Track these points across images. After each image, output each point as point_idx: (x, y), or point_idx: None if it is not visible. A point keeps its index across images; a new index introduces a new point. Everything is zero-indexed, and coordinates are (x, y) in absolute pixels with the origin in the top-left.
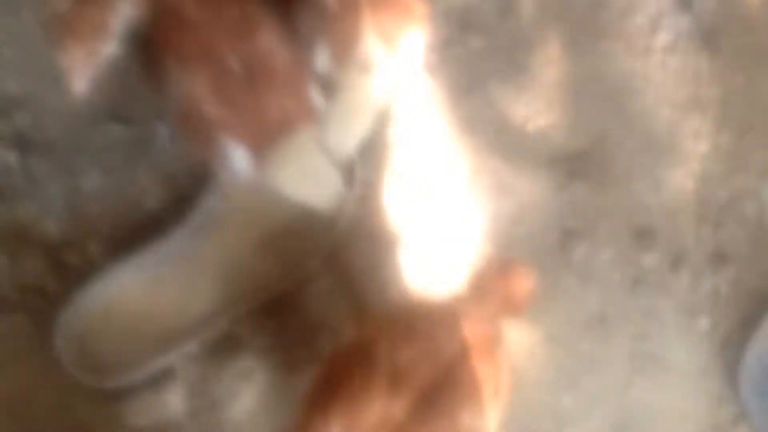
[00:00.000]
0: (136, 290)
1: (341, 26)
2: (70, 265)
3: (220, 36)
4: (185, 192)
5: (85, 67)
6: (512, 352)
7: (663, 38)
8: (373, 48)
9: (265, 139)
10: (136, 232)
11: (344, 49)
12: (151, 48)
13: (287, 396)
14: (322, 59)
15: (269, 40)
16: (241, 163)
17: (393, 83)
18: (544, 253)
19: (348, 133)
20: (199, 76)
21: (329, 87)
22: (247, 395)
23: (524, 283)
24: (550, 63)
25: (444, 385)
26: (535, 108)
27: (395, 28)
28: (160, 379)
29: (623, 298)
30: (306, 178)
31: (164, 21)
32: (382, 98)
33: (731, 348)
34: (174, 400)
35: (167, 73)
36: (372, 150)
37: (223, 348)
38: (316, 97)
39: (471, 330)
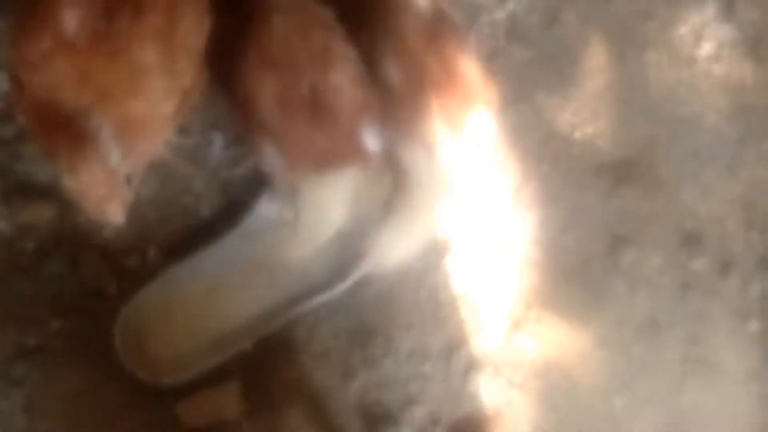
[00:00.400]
0: (193, 292)
1: (406, 105)
2: (128, 269)
3: (300, 61)
4: (239, 198)
5: (113, 207)
6: (565, 359)
7: (707, 47)
8: (437, 129)
9: (309, 163)
10: (192, 237)
11: (408, 127)
12: (222, 57)
13: (342, 399)
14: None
15: (342, 79)
16: (281, 174)
17: (457, 164)
18: (593, 259)
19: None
20: (271, 90)
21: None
22: (302, 397)
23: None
24: (595, 72)
25: None
26: (582, 116)
27: (460, 110)
28: (217, 379)
29: (673, 303)
30: (322, 216)
31: (253, 37)
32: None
33: None
34: (231, 400)
35: (239, 82)
36: None
37: (279, 351)
38: (371, 142)
39: None
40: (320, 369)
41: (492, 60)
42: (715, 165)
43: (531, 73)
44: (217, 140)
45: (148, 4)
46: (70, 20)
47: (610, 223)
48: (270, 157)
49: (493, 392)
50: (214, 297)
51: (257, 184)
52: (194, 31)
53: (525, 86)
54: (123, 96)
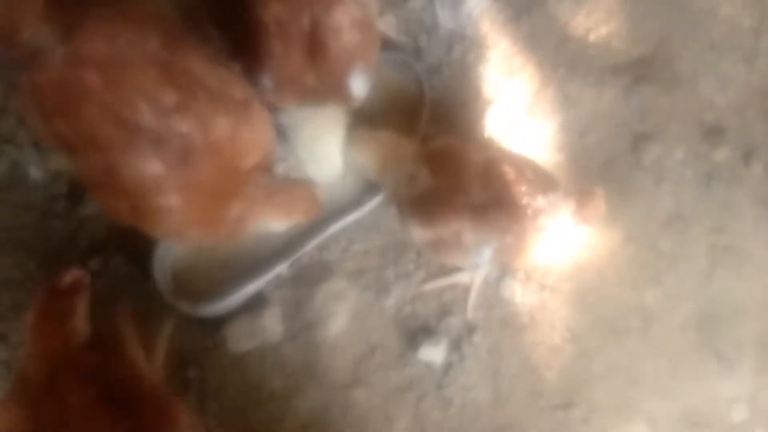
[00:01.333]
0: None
1: None
2: None
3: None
4: None
5: None
6: (594, 258)
7: None
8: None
9: (296, 94)
10: None
11: None
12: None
13: (379, 314)
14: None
15: (344, 20)
16: (262, 88)
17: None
18: (616, 158)
19: None
20: (274, 16)
21: None
22: (340, 316)
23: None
24: None
25: None
26: (596, 18)
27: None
28: (256, 306)
29: (698, 195)
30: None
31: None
32: None
33: None
34: (271, 325)
35: (245, 4)
36: (441, 73)
37: (314, 273)
38: (357, 87)
39: None
40: (355, 287)
41: None
42: (732, 56)
43: None
44: None
45: None
46: None
47: (631, 122)
48: (263, 82)
49: (526, 296)
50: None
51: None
52: None
53: None
54: None
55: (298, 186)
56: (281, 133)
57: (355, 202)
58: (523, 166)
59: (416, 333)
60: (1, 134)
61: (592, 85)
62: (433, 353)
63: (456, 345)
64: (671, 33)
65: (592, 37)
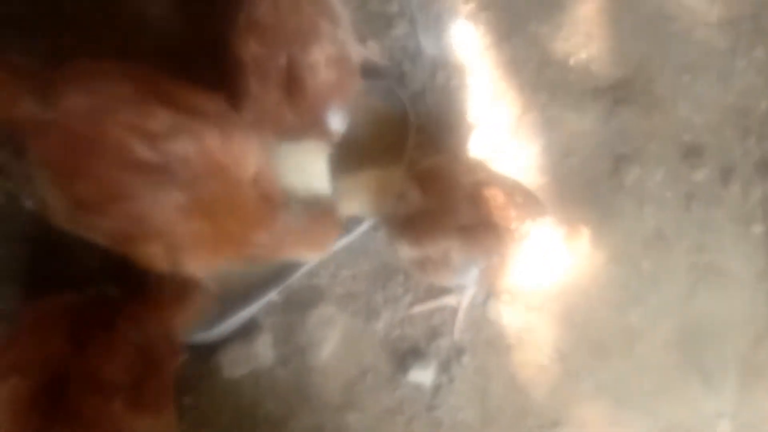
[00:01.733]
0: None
1: None
2: None
3: (285, 30)
4: None
5: None
6: (578, 278)
7: None
8: None
9: (274, 129)
10: None
11: None
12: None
13: (369, 338)
14: None
15: (320, 58)
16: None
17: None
18: (598, 179)
19: None
20: (252, 53)
21: None
22: (331, 340)
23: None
24: None
25: None
26: (575, 42)
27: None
28: (249, 332)
29: (678, 215)
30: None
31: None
32: None
33: None
34: (264, 350)
35: (225, 40)
36: (425, 99)
37: (304, 299)
38: (335, 122)
39: None
40: (345, 312)
41: None
42: (708, 77)
43: (522, 5)
44: None
45: None
46: None
47: (612, 144)
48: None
49: (512, 317)
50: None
51: None
52: None
53: (517, 19)
54: None
55: (325, 216)
56: None
57: (344, 228)
58: (513, 190)
59: (406, 355)
60: None
61: (573, 108)
62: (423, 375)
63: (445, 366)
64: (649, 56)
65: (571, 62)
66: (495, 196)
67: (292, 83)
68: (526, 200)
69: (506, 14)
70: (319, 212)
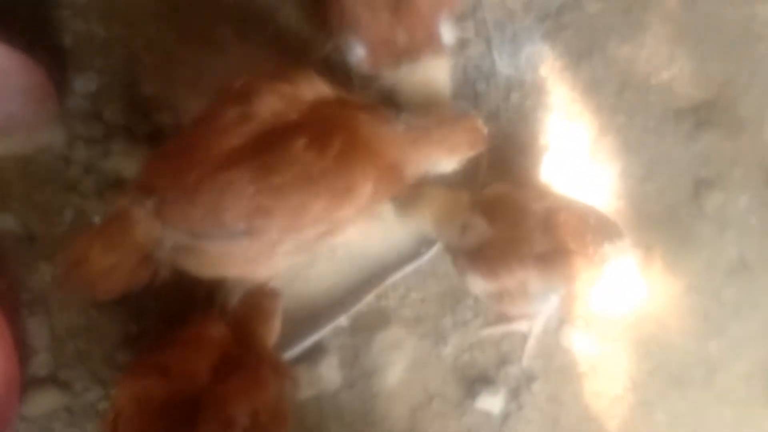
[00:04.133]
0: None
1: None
2: None
3: None
4: None
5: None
6: (656, 307)
7: None
8: None
9: (388, 54)
10: None
11: None
12: None
13: (436, 363)
14: None
15: None
16: (357, 59)
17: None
18: (678, 205)
19: None
20: None
21: None
22: (398, 364)
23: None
24: (667, 17)
25: None
26: (656, 63)
27: None
28: (314, 355)
29: (763, 242)
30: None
31: None
32: None
33: None
34: (329, 373)
35: None
36: (498, 119)
37: (372, 321)
38: (447, 35)
39: None
40: (413, 335)
41: (562, 14)
42: None
43: (602, 24)
44: None
45: None
46: None
47: (693, 168)
48: (353, 49)
49: (585, 344)
50: (307, 276)
51: None
52: None
53: (597, 38)
54: None
55: (460, 121)
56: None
57: (414, 253)
58: (585, 214)
59: (474, 381)
60: (66, 183)
61: (652, 130)
62: (492, 402)
63: (514, 394)
64: (733, 77)
65: (652, 82)
66: (568, 221)
67: (401, 2)
68: (601, 223)
69: (585, 33)
70: (454, 118)
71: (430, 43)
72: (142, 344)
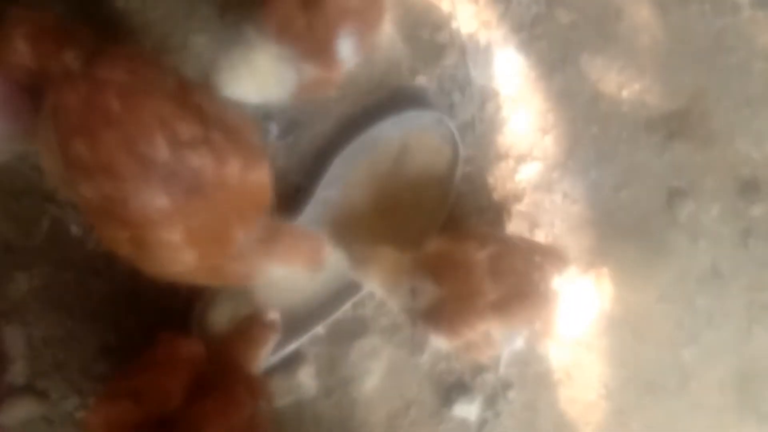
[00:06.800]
0: (262, 282)
1: None
2: None
3: None
4: (298, 185)
5: None
6: (629, 315)
7: None
8: None
9: (287, 41)
10: None
11: None
12: None
13: (413, 371)
14: None
15: None
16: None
17: None
18: (651, 214)
19: None
20: None
21: None
22: (375, 372)
23: None
24: (639, 29)
25: None
26: (629, 74)
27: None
28: (293, 363)
29: (735, 251)
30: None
31: None
32: None
33: None
34: (307, 381)
35: None
36: (474, 130)
37: (349, 330)
38: (343, 50)
39: None
40: (390, 344)
41: (535, 25)
42: (767, 110)
43: (575, 36)
44: (273, 129)
45: None
46: None
47: (666, 177)
48: (256, 30)
49: (560, 352)
50: (284, 284)
51: (315, 171)
52: None
53: (569, 50)
54: None
55: (306, 237)
56: None
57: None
58: (529, 252)
59: (451, 389)
60: (43, 193)
61: (625, 140)
62: (468, 409)
63: (491, 401)
64: (705, 88)
65: (625, 94)
66: (514, 264)
67: None
68: (546, 258)
69: (558, 45)
70: (302, 233)
71: (324, 49)
72: (118, 360)
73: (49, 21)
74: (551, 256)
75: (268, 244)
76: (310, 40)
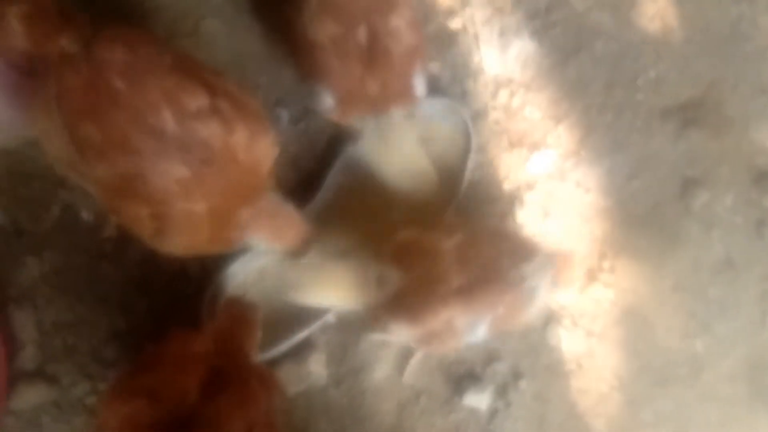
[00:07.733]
0: (272, 269)
1: None
2: None
3: (360, 4)
4: (310, 171)
5: None
6: (642, 305)
7: None
8: None
9: (360, 106)
10: None
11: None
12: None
13: (424, 360)
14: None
15: (401, 23)
16: (326, 107)
17: None
18: (664, 203)
19: None
20: (329, 34)
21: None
22: (385, 361)
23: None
24: (655, 16)
25: None
26: (644, 62)
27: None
28: (302, 351)
29: (748, 241)
30: (391, 152)
31: None
32: None
33: None
34: (317, 369)
35: (298, 25)
36: (487, 117)
37: (360, 318)
38: (419, 86)
39: None
40: None
41: (550, 12)
42: None
43: (590, 23)
44: (284, 116)
45: None
46: None
47: (680, 167)
48: (324, 99)
49: (572, 343)
50: (295, 272)
51: (326, 156)
52: None
53: (585, 36)
54: None
55: (295, 220)
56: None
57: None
58: (497, 241)
59: (462, 379)
60: (54, 178)
61: (639, 129)
62: (479, 399)
63: (502, 391)
64: (721, 77)
65: (639, 82)
66: (481, 252)
67: (376, 54)
68: (513, 245)
69: (573, 32)
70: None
71: (402, 94)
72: (128, 345)
73: (45, 2)
74: (521, 245)
75: (262, 217)
76: (386, 96)
